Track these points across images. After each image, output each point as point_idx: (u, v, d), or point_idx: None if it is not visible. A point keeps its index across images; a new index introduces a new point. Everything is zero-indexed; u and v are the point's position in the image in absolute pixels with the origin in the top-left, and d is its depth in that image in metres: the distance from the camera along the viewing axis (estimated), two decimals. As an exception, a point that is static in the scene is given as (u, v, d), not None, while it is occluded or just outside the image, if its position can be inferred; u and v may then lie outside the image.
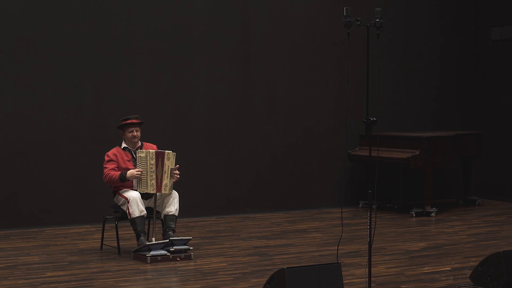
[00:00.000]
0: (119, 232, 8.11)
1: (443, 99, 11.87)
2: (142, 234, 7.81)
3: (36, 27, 9.53)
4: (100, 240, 8.36)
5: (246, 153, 10.68)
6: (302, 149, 11.00)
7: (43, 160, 9.61)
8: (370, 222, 5.98)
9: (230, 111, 10.58)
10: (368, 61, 6.14)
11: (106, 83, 9.91)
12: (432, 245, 8.45)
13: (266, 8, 10.72)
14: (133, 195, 7.82)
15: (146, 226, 8.17)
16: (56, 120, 9.68)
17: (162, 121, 10.17)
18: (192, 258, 7.71)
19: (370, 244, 6.02)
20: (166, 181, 7.85)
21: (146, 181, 7.84)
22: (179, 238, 7.77)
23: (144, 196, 7.96)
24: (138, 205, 7.80)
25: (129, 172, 7.85)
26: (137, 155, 7.88)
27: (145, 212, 7.88)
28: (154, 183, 7.83)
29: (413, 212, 10.43)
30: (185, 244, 7.76)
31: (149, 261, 7.52)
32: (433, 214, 10.42)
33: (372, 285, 6.29)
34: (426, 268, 7.34)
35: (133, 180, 7.94)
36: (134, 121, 8.10)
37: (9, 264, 7.54)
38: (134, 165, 8.00)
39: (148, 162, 7.82)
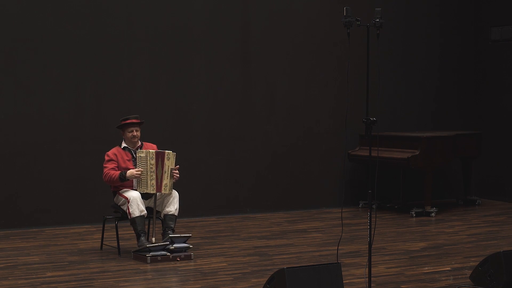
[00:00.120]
0: (119, 232, 8.11)
1: (443, 99, 11.87)
2: (142, 234, 7.81)
3: (36, 27, 9.53)
4: (100, 240, 8.36)
5: (246, 153, 10.68)
6: (302, 149, 11.00)
7: (43, 160, 9.62)
8: (370, 222, 5.98)
9: (230, 111, 10.58)
10: (368, 61, 6.14)
11: (106, 83, 9.91)
12: (432, 245, 8.45)
13: (266, 8, 10.72)
14: (133, 195, 7.82)
15: (146, 226, 8.17)
16: (56, 120, 9.68)
17: (162, 121, 10.17)
18: (192, 258, 7.71)
19: (370, 244, 6.02)
20: (166, 181, 7.85)
21: (146, 181, 7.84)
22: (179, 235, 7.77)
23: (144, 196, 7.96)
24: (138, 205, 7.80)
25: (129, 172, 7.85)
26: (137, 155, 7.88)
27: (145, 212, 7.88)
28: (154, 183, 7.83)
29: (413, 212, 10.43)
30: (184, 242, 7.75)
31: (149, 261, 7.52)
32: (433, 214, 10.41)
33: (372, 285, 6.29)
34: (426, 268, 7.34)
35: (133, 180, 7.95)
36: (134, 121, 8.10)
37: (9, 264, 7.54)
38: (134, 165, 8.00)
39: (148, 162, 7.82)
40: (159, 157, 7.85)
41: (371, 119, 5.97)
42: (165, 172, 7.84)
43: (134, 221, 7.80)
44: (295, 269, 5.62)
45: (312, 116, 11.03)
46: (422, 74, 11.73)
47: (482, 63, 11.92)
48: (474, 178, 11.81)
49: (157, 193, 7.95)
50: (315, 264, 6.26)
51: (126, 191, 7.93)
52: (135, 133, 8.08)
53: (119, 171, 7.90)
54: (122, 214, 7.99)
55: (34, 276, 7.03)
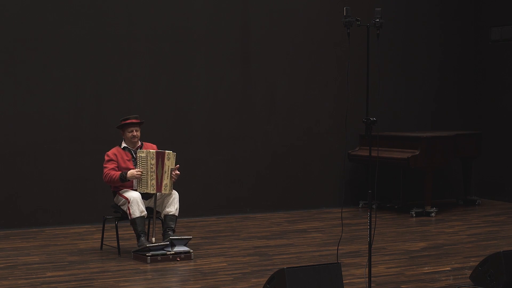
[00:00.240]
0: (119, 232, 8.11)
1: (443, 99, 11.87)
2: (142, 235, 7.81)
3: (36, 27, 9.53)
4: (100, 240, 8.36)
5: (246, 153, 10.68)
6: (302, 149, 11.00)
7: (43, 160, 9.62)
8: (370, 222, 5.98)
9: (230, 111, 10.58)
10: (368, 61, 6.14)
11: (106, 83, 9.91)
12: (432, 245, 8.45)
13: (266, 8, 10.72)
14: (133, 195, 7.82)
15: (146, 226, 8.17)
16: (56, 120, 9.68)
17: (162, 121, 10.17)
18: (192, 258, 7.71)
19: (370, 244, 6.02)
20: (166, 181, 7.84)
21: (146, 181, 7.84)
22: (179, 237, 7.77)
23: (144, 196, 7.96)
24: (138, 205, 7.80)
25: (130, 172, 7.85)
26: (138, 155, 7.88)
27: (146, 212, 7.88)
28: (154, 183, 7.83)
29: (413, 212, 10.43)
30: (185, 245, 7.75)
31: (149, 261, 7.52)
32: (433, 214, 10.41)
33: (372, 285, 6.29)
34: (426, 268, 7.34)
35: (133, 180, 7.94)
36: (133, 121, 8.10)
37: (9, 264, 7.54)
38: (134, 165, 8.00)
39: (149, 162, 7.82)
40: (160, 157, 7.85)
41: (371, 119, 5.97)
42: (165, 172, 7.84)
43: (134, 221, 7.80)
44: (295, 269, 5.62)
45: (312, 116, 11.03)
46: (422, 74, 11.73)
47: (482, 63, 11.92)
48: (474, 178, 11.81)
49: (157, 193, 7.95)
50: (315, 264, 6.25)
51: (126, 191, 7.93)
52: (135, 133, 8.08)
53: (120, 172, 7.90)
54: (122, 214, 7.99)
55: (34, 276, 7.03)
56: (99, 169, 8.19)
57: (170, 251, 7.64)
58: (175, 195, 8.00)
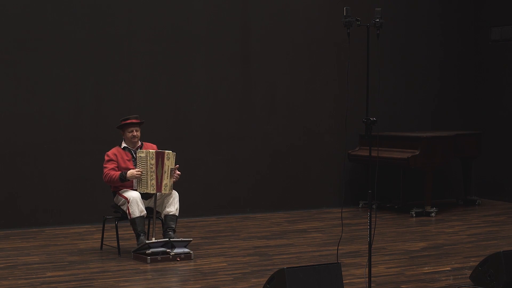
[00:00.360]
0: (119, 232, 8.11)
1: (443, 99, 11.87)
2: (142, 234, 7.81)
3: (36, 27, 9.53)
4: (100, 240, 8.36)
5: (246, 153, 10.68)
6: (302, 149, 11.00)
7: (43, 160, 9.61)
8: (370, 222, 5.98)
9: (230, 111, 10.58)
10: (368, 61, 6.14)
11: (106, 83, 9.91)
12: (432, 245, 8.45)
13: (266, 8, 10.71)
14: (133, 195, 7.82)
15: (146, 226, 8.17)
16: (56, 120, 9.68)
17: (162, 121, 10.17)
18: (192, 258, 7.71)
19: (370, 244, 6.02)
20: (166, 181, 7.84)
21: (146, 181, 7.84)
22: (180, 239, 7.76)
23: (144, 196, 7.96)
24: (138, 205, 7.80)
25: (129, 172, 7.85)
26: (137, 155, 7.88)
27: (145, 212, 7.88)
28: (154, 183, 7.83)
29: (413, 212, 10.43)
30: (185, 246, 7.75)
31: (149, 261, 7.52)
32: (433, 214, 10.41)
33: (372, 285, 6.29)
34: (426, 268, 7.34)
35: (133, 180, 7.94)
36: (134, 121, 8.10)
37: (9, 264, 7.54)
38: (134, 165, 8.00)
39: (148, 162, 7.82)
40: (159, 157, 7.84)
41: (371, 119, 5.97)
42: (165, 172, 7.84)
43: (134, 221, 7.80)
44: (295, 269, 5.62)
45: (312, 116, 11.03)
46: (422, 74, 11.73)
47: (482, 63, 11.92)
48: (474, 178, 11.81)
49: (157, 193, 7.95)
50: (315, 264, 6.25)
51: (126, 191, 7.93)
52: (135, 133, 8.08)
53: (119, 172, 7.90)
54: (122, 214, 7.99)
55: (34, 276, 7.03)
56: (99, 169, 8.19)
57: (171, 253, 7.63)
58: (175, 195, 8.00)
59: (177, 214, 8.00)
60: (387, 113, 11.26)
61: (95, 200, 9.73)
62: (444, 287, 6.58)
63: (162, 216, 8.03)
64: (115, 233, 8.05)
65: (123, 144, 8.15)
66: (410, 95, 11.66)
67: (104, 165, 8.00)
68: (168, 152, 7.88)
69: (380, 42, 6.26)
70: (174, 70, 10.24)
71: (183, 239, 7.81)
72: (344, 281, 5.88)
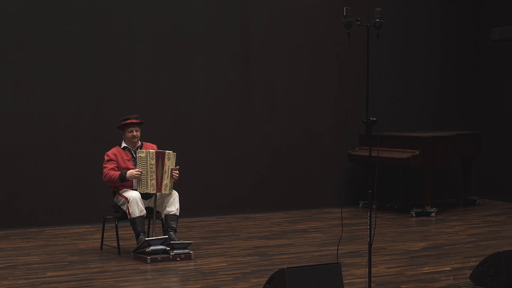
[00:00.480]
0: (119, 232, 8.11)
1: (443, 99, 11.87)
2: (142, 234, 7.81)
3: (36, 27, 9.53)
4: (100, 240, 8.36)
5: (246, 153, 10.68)
6: (302, 149, 11.00)
7: (43, 160, 9.61)
8: (370, 222, 5.98)
9: (230, 111, 10.58)
10: (368, 61, 6.14)
11: (106, 83, 9.91)
12: (432, 245, 8.45)
13: (266, 8, 10.72)
14: (133, 195, 7.82)
15: (146, 226, 8.17)
16: (56, 120, 9.68)
17: (162, 121, 10.17)
18: (192, 258, 7.71)
19: (370, 244, 6.02)
20: (166, 181, 7.85)
21: (146, 181, 7.84)
22: (180, 242, 7.76)
23: (144, 196, 7.96)
24: (138, 205, 7.80)
25: (129, 172, 7.85)
26: (137, 155, 7.88)
27: (145, 212, 7.88)
28: (154, 183, 7.83)
29: (413, 212, 10.43)
30: (185, 248, 7.75)
31: (149, 261, 7.52)
32: (433, 214, 10.41)
33: (372, 285, 6.29)
34: (426, 268, 7.34)
35: (133, 180, 7.94)
36: (134, 121, 8.10)
37: (9, 264, 7.54)
38: (134, 165, 8.00)
39: (148, 162, 7.82)
40: (159, 157, 7.85)
41: (371, 119, 5.97)
42: (165, 172, 7.84)
43: (134, 221, 7.80)
44: (295, 269, 5.62)
45: (312, 116, 11.03)
46: (422, 74, 11.73)
47: (482, 63, 11.92)
48: (474, 178, 11.81)
49: (157, 193, 7.95)
50: (315, 264, 6.25)
51: (126, 191, 7.93)
52: (135, 133, 8.08)
53: (119, 172, 7.90)
54: (122, 214, 7.99)
55: (34, 276, 7.03)
56: (99, 169, 8.19)
57: (171, 253, 7.63)
58: (175, 195, 8.00)
59: (177, 214, 8.00)
60: (387, 113, 11.26)
61: (95, 200, 9.73)
62: (444, 287, 6.58)
63: (163, 216, 8.03)
64: (115, 233, 8.05)
65: (123, 144, 8.15)
66: (410, 95, 11.66)
67: (104, 165, 8.00)
68: (168, 152, 7.88)
69: (380, 42, 6.26)
70: (174, 70, 10.24)
71: (183, 241, 7.80)
72: (344, 281, 5.89)
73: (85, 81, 9.81)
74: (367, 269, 6.11)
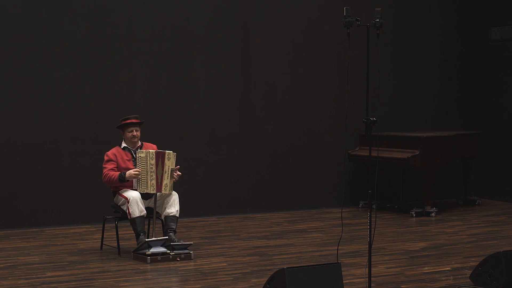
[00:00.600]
0: (119, 232, 8.11)
1: (443, 99, 11.87)
2: (142, 234, 7.81)
3: (36, 27, 9.53)
4: (100, 240, 8.36)
5: (246, 153, 10.68)
6: (302, 149, 11.00)
7: (43, 160, 9.61)
8: (370, 222, 5.98)
9: (230, 111, 10.58)
10: (368, 61, 6.14)
11: (106, 83, 9.91)
12: (432, 245, 8.45)
13: (266, 8, 10.72)
14: (133, 195, 7.82)
15: (146, 226, 8.17)
16: (56, 120, 9.68)
17: (162, 121, 10.17)
18: (192, 258, 7.71)
19: (370, 244, 6.02)
20: (166, 181, 7.84)
21: (146, 181, 7.84)
22: (180, 243, 7.75)
23: (144, 196, 7.95)
24: (138, 205, 7.80)
25: (128, 173, 7.85)
26: (137, 155, 7.88)
27: (145, 212, 7.88)
28: (154, 183, 7.83)
29: (413, 212, 10.43)
30: (185, 249, 7.75)
31: (149, 261, 7.51)
32: (433, 214, 10.41)
33: (372, 285, 6.29)
34: (426, 268, 7.34)
35: (133, 180, 7.94)
36: (133, 121, 8.10)
37: (9, 264, 7.54)
38: (134, 165, 8.00)
39: (148, 162, 7.82)
40: (159, 157, 7.84)
41: (371, 119, 5.97)
42: (165, 172, 7.84)
43: (134, 221, 7.80)
44: (295, 269, 5.62)
45: (312, 116, 11.03)
46: (422, 74, 11.73)
47: (482, 63, 11.92)
48: (474, 178, 11.81)
49: (157, 193, 7.94)
50: (315, 264, 6.25)
51: (126, 191, 7.93)
52: (135, 133, 8.07)
53: (119, 172, 7.90)
54: (122, 214, 7.98)
55: (34, 276, 7.03)
56: (99, 169, 8.19)
57: (171, 253, 7.63)
58: (175, 196, 7.99)
59: (177, 215, 7.99)
60: (387, 113, 11.26)
61: (95, 200, 9.73)
62: (444, 287, 6.58)
63: (162, 217, 8.03)
64: (115, 233, 8.05)
65: (123, 144, 8.15)
66: (410, 95, 11.66)
67: (104, 165, 8.00)
68: (168, 152, 7.88)
69: (380, 42, 6.26)
70: (174, 70, 10.24)
71: (183, 242, 7.80)
72: (344, 281, 5.88)
73: (85, 81, 9.80)
74: (367, 269, 6.11)
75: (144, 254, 7.57)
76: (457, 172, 11.69)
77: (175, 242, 7.76)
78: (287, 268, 5.58)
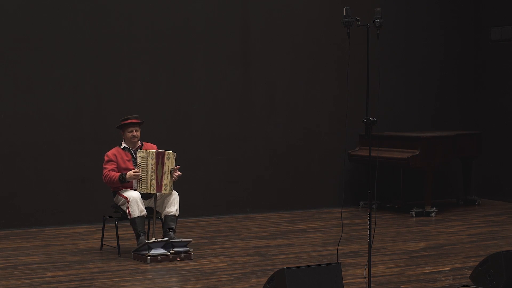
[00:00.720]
0: (119, 232, 8.11)
1: (443, 99, 11.87)
2: (142, 234, 7.81)
3: (36, 27, 9.53)
4: (100, 240, 8.36)
5: (246, 153, 10.68)
6: (302, 149, 11.00)
7: (43, 160, 9.61)
8: (370, 222, 5.98)
9: (230, 111, 10.58)
10: (368, 61, 6.14)
11: (106, 83, 9.91)
12: (432, 245, 8.45)
13: (266, 8, 10.72)
14: (133, 195, 7.82)
15: (146, 226, 8.17)
16: (56, 120, 9.68)
17: (162, 121, 10.17)
18: (192, 258, 7.71)
19: (370, 244, 6.02)
20: (166, 181, 7.84)
21: (146, 181, 7.84)
22: (179, 240, 7.76)
23: (144, 196, 7.95)
24: (138, 205, 7.80)
25: (128, 174, 7.85)
26: (137, 155, 7.88)
27: (145, 212, 7.88)
28: (154, 183, 7.83)
29: (413, 212, 10.43)
30: (185, 246, 7.75)
31: (149, 261, 7.51)
32: (433, 214, 10.41)
33: (372, 285, 6.29)
34: (426, 268, 7.34)
35: (133, 180, 7.94)
36: (133, 121, 8.10)
37: (9, 264, 7.54)
38: (134, 165, 8.00)
39: (148, 162, 7.82)
40: (159, 157, 7.84)
41: (371, 119, 5.97)
42: (165, 172, 7.84)
43: (134, 221, 7.80)
44: (295, 269, 5.61)
45: (312, 116, 11.03)
46: (422, 74, 11.73)
47: (482, 63, 11.92)
48: (474, 178, 11.80)
49: (157, 193, 7.94)
50: (315, 264, 6.25)
51: (126, 191, 7.93)
52: (135, 133, 8.07)
53: (119, 173, 7.90)
54: (122, 214, 7.98)
55: (34, 276, 7.03)
56: (99, 169, 8.19)
57: (170, 251, 7.63)
58: (175, 195, 8.00)
59: (177, 214, 8.00)
60: (387, 113, 11.26)
61: (95, 200, 9.73)
62: (444, 287, 6.58)
63: (162, 217, 8.03)
64: (115, 233, 8.05)
65: (123, 144, 8.15)
66: (410, 95, 11.66)
67: (104, 166, 8.00)
68: (168, 152, 7.88)
69: (380, 42, 6.26)
70: (174, 70, 10.24)
71: (183, 239, 7.80)
72: (344, 281, 5.88)
73: (85, 81, 9.80)
74: (367, 269, 6.11)
75: (144, 254, 7.57)
76: (457, 172, 11.69)
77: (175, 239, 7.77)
78: (287, 268, 5.58)
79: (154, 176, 7.82)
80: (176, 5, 10.22)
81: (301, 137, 10.99)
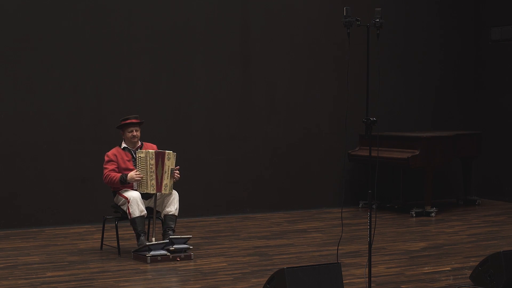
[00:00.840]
0: (119, 232, 8.11)
1: (443, 99, 11.87)
2: (142, 234, 7.81)
3: (36, 27, 9.53)
4: (100, 240, 8.36)
5: (246, 153, 10.68)
6: (302, 149, 10.99)
7: (43, 160, 9.61)
8: (370, 222, 5.98)
9: (230, 111, 10.58)
10: (368, 61, 6.14)
11: (106, 83, 9.90)
12: (432, 245, 8.45)
13: (266, 8, 10.72)
14: (133, 195, 7.82)
15: (146, 226, 8.17)
16: (56, 120, 9.68)
17: (162, 121, 10.17)
18: (192, 258, 7.71)
19: (370, 244, 6.02)
20: (166, 181, 7.84)
21: (146, 181, 7.84)
22: (179, 236, 7.77)
23: (144, 196, 7.96)
24: (138, 205, 7.80)
25: (130, 175, 7.84)
26: (137, 155, 7.88)
27: (145, 212, 7.88)
28: (154, 183, 7.83)
29: (413, 212, 10.43)
30: (185, 243, 7.75)
31: (149, 261, 7.52)
32: (433, 214, 10.41)
33: (372, 285, 6.29)
34: (426, 268, 7.34)
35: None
36: (133, 121, 8.10)
37: (9, 264, 7.54)
38: (134, 165, 8.00)
39: (148, 162, 7.81)
40: (159, 157, 7.84)
41: (371, 119, 5.97)
42: (165, 172, 7.84)
43: (134, 221, 7.80)
44: (295, 269, 5.62)
45: (312, 116, 11.03)
46: (422, 74, 11.73)
47: (482, 63, 11.92)
48: (474, 178, 11.81)
49: (157, 193, 7.94)
50: (315, 264, 6.25)
51: (126, 191, 7.93)
52: (135, 133, 8.07)
53: (120, 174, 7.90)
54: (122, 214, 7.99)
55: (34, 276, 7.03)
56: (99, 169, 8.19)
57: (171, 248, 7.64)
58: (175, 195, 8.00)
59: (176, 214, 8.00)
60: (387, 113, 11.26)
61: (95, 200, 9.73)
62: (444, 287, 6.58)
63: (162, 216, 8.03)
64: (115, 233, 8.05)
65: (123, 144, 8.15)
66: (410, 95, 11.66)
67: (104, 166, 8.00)
68: (168, 152, 7.88)
69: (380, 42, 6.26)
70: (174, 70, 10.24)
71: (182, 236, 7.81)
72: (344, 281, 5.89)
73: (85, 81, 9.80)
74: (367, 269, 6.11)
75: (144, 254, 7.57)
76: (457, 172, 11.69)
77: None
78: (287, 268, 5.58)
79: (154, 176, 7.82)
80: (176, 5, 10.22)
81: (301, 137, 10.99)
